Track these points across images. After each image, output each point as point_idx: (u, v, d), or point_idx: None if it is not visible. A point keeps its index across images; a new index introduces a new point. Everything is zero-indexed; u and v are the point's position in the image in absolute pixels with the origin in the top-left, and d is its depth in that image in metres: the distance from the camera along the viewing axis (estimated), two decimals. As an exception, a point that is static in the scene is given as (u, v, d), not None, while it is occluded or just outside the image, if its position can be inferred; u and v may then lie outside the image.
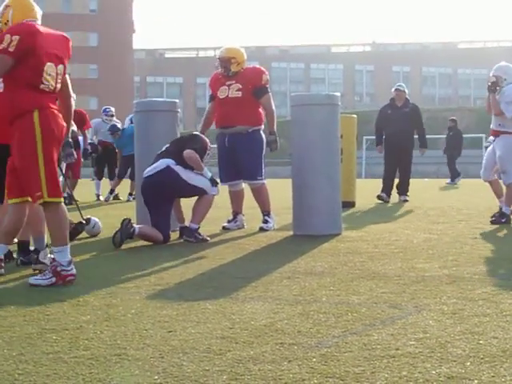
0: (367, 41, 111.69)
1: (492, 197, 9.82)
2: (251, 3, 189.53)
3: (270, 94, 8.54)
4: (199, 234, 7.64)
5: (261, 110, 8.52)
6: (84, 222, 8.16)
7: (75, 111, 11.93)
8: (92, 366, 3.16)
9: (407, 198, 12.92)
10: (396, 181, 13.37)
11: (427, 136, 13.22)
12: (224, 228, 8.67)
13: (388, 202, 12.92)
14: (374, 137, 14.04)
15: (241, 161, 8.50)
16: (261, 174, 8.55)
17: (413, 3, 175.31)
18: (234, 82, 8.42)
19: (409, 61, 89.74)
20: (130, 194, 14.73)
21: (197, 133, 8.22)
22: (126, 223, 7.30)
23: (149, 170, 7.71)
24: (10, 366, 3.18)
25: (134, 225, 7.50)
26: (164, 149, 7.88)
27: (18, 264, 6.06)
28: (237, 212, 8.82)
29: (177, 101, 9.28)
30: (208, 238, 7.67)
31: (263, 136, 8.59)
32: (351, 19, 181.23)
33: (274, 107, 8.55)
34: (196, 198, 7.85)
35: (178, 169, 7.63)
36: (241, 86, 8.39)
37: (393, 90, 13.23)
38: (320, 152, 7.91)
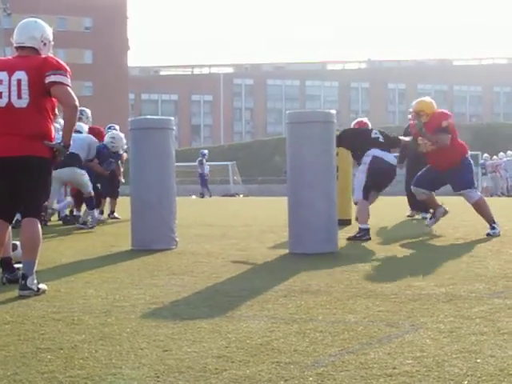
0: (362, 58, 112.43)
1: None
2: (246, 20, 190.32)
3: None
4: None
5: None
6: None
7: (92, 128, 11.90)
8: (87, 386, 3.14)
9: (427, 216, 12.70)
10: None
11: None
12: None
13: (416, 215, 12.93)
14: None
15: None
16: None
17: (408, 20, 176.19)
18: None
19: (404, 78, 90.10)
20: (112, 212, 14.30)
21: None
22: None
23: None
24: (3, 387, 3.15)
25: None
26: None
27: (4, 282, 5.86)
28: None
29: (172, 118, 9.29)
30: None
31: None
32: (346, 36, 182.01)
33: None
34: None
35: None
36: None
37: (410, 109, 13.33)
38: (316, 169, 7.90)
